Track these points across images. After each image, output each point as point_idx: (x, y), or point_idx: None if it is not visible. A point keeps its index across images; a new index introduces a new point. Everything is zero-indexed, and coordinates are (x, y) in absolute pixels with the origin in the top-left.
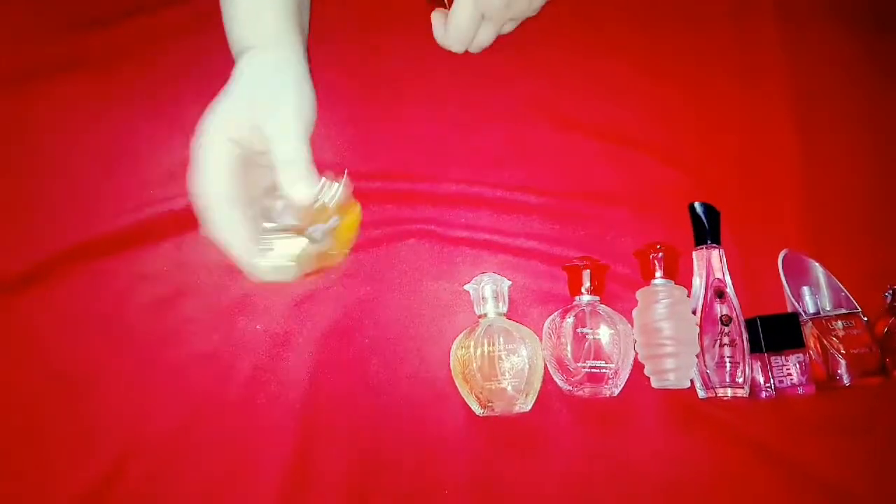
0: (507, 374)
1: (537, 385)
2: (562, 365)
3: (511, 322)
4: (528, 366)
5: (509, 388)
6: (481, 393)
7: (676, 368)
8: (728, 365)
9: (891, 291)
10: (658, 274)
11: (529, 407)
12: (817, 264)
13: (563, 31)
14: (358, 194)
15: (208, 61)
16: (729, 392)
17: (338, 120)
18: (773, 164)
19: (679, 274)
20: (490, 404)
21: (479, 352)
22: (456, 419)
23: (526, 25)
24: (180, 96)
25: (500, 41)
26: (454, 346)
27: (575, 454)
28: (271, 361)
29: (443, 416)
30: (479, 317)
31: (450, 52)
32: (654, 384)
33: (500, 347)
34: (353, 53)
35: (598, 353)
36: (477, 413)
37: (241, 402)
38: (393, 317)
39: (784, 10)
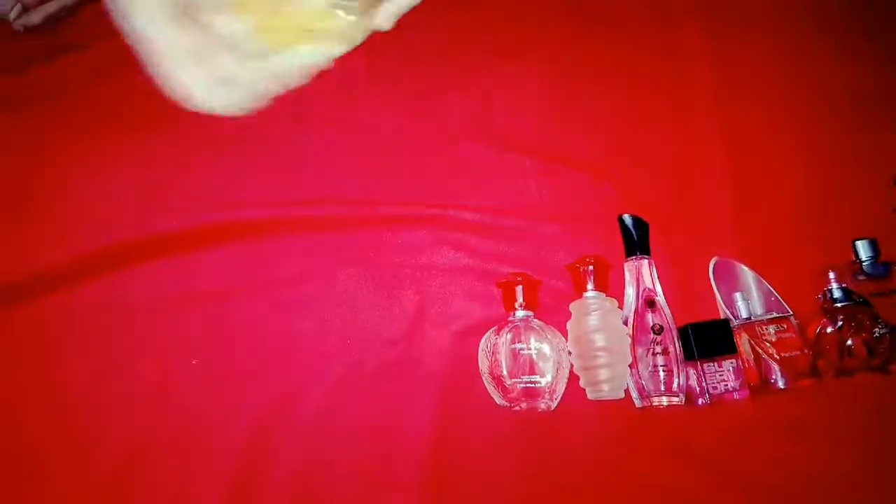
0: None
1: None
2: (498, 382)
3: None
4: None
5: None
6: None
7: (610, 379)
8: (662, 373)
9: (823, 293)
10: (589, 286)
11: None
12: (748, 270)
13: (494, 52)
14: (293, 222)
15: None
16: (664, 400)
17: (271, 148)
18: (703, 175)
19: (612, 286)
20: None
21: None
22: (400, 443)
23: (458, 46)
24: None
25: (436, 64)
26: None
27: (514, 467)
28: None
29: (387, 445)
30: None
31: (383, 75)
32: (590, 396)
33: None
34: None
35: (532, 369)
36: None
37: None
38: (335, 345)
39: (711, 24)
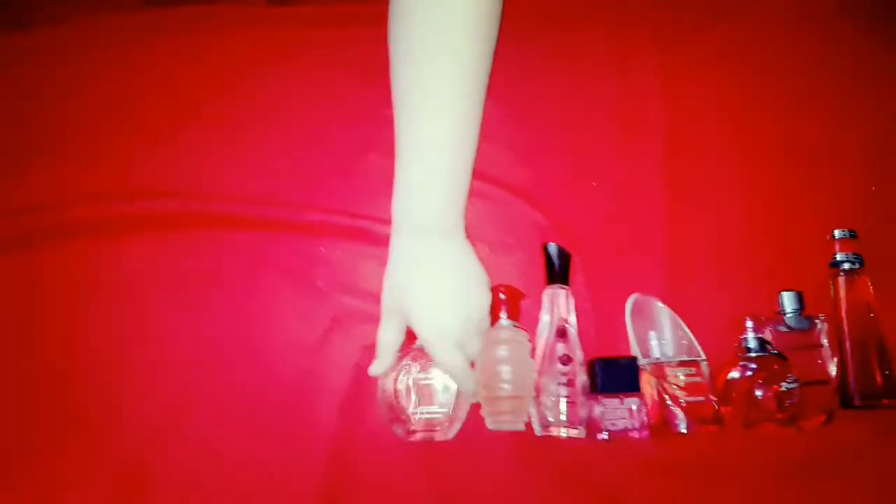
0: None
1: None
2: (395, 412)
3: None
4: None
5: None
6: None
7: (512, 411)
8: (564, 405)
9: (739, 342)
10: (502, 316)
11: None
12: (667, 310)
13: None
14: (213, 217)
15: None
16: (563, 432)
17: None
18: (637, 211)
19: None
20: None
21: None
22: (293, 456)
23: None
24: None
25: (363, 73)
26: None
27: (412, 496)
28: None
29: (281, 457)
30: None
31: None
32: (490, 426)
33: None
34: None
35: (430, 399)
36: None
37: None
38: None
39: (665, 57)
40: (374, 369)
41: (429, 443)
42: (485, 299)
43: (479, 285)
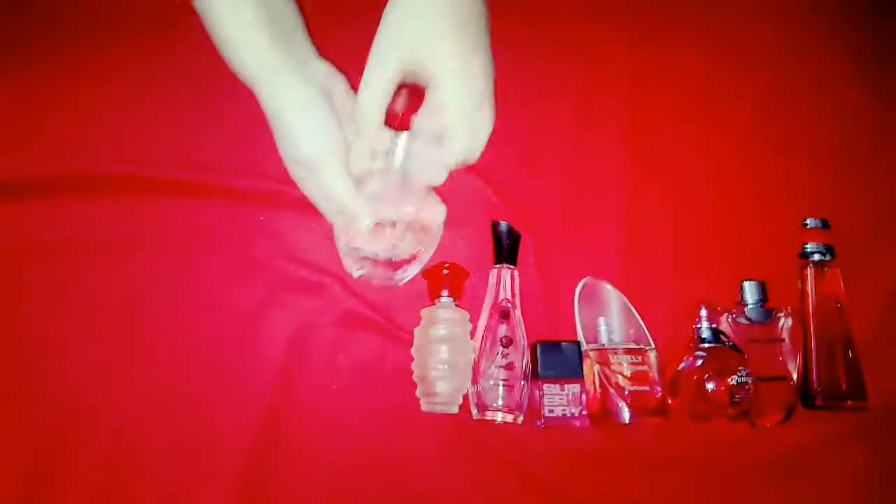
0: None
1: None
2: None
3: None
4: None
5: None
6: None
7: (446, 393)
8: (502, 388)
9: (696, 328)
10: (444, 294)
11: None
12: (618, 295)
13: None
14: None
15: None
16: (499, 416)
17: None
18: (595, 193)
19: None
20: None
21: None
22: (223, 425)
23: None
24: None
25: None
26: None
27: (342, 473)
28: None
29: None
30: None
31: None
32: (424, 407)
33: None
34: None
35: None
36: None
37: None
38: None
39: (628, 30)
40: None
41: (360, 423)
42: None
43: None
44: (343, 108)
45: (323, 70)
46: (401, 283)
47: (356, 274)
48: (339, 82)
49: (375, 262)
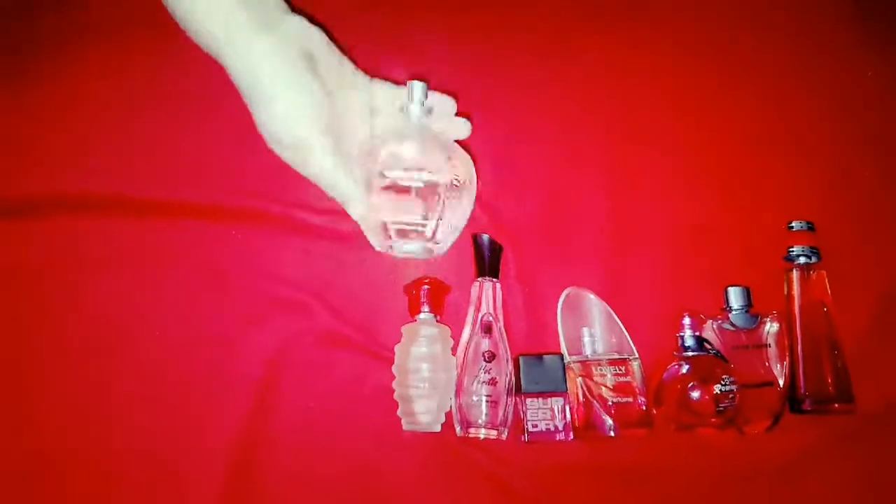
0: None
1: None
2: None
3: None
4: None
5: None
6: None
7: (428, 412)
8: (485, 405)
9: (679, 336)
10: (424, 309)
11: None
12: (601, 305)
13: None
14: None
15: None
16: (482, 433)
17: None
18: (578, 202)
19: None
20: None
21: None
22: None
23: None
24: None
25: None
26: None
27: (322, 494)
28: None
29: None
30: None
31: None
32: (405, 426)
33: None
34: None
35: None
36: None
37: None
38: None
39: (607, 31)
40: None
41: (341, 443)
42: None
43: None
44: (326, 69)
45: (297, 26)
46: (435, 255)
47: (389, 249)
48: (315, 38)
49: (404, 233)
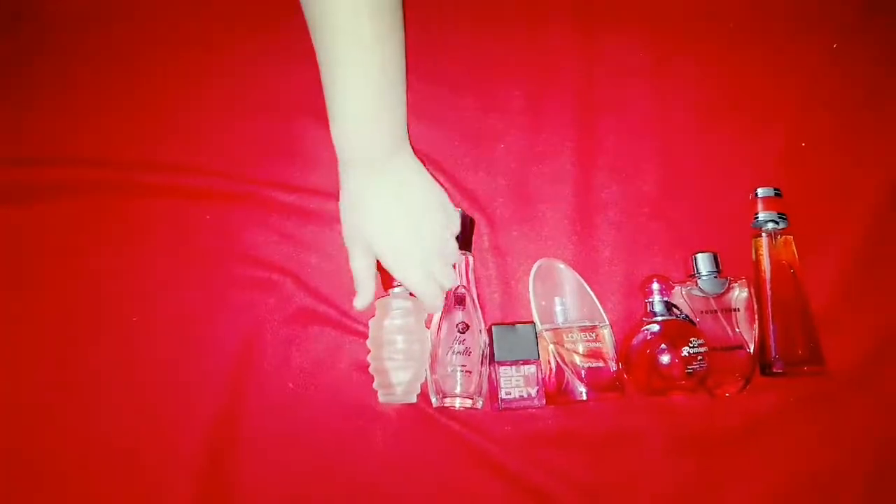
0: None
1: None
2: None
3: None
4: None
5: None
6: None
7: (404, 383)
8: (459, 375)
9: (648, 302)
10: (396, 283)
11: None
12: (572, 274)
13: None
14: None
15: None
16: (457, 403)
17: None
18: (548, 173)
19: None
20: None
21: None
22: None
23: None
24: None
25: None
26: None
27: (302, 469)
28: None
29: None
30: None
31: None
32: (381, 399)
33: None
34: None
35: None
36: None
37: None
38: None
39: (582, 18)
40: (358, 302)
41: (319, 417)
42: (442, 215)
43: (432, 201)
44: (412, 200)
45: (404, 162)
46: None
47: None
48: (417, 174)
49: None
